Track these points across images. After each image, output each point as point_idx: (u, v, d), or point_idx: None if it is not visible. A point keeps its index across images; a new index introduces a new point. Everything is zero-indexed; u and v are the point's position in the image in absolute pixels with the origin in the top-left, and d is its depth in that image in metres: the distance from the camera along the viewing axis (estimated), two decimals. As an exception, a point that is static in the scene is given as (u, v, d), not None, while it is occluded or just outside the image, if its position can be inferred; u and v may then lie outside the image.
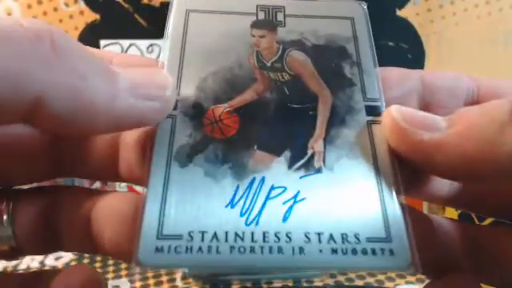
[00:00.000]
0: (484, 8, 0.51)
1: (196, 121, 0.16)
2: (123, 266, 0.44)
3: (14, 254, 0.17)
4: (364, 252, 0.14)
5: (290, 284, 0.41)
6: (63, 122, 0.12)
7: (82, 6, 0.49)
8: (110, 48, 0.50)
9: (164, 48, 0.18)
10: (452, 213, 0.40)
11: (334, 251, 0.14)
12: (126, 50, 0.50)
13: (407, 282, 0.40)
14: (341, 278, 0.41)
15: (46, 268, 0.43)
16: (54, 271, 0.17)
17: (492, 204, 0.18)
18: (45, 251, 0.18)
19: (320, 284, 0.40)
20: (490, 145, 0.13)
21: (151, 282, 0.41)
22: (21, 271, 0.19)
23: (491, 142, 0.13)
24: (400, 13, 0.51)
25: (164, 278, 0.41)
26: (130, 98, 0.14)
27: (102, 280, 0.17)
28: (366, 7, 0.20)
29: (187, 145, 0.16)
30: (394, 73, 0.19)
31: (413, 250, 0.14)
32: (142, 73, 0.15)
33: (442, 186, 0.18)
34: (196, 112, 0.17)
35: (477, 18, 0.51)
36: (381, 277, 0.42)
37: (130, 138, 0.17)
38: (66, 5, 0.49)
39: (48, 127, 0.13)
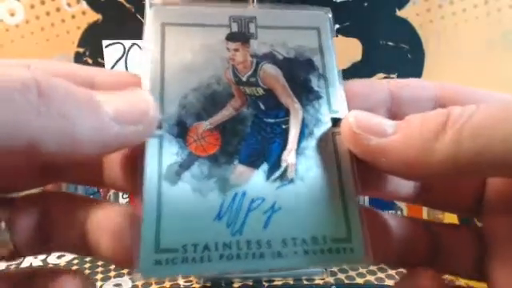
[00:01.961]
0: (483, 8, 0.51)
1: (181, 139, 0.17)
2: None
3: (13, 256, 0.18)
4: (330, 251, 0.17)
5: (291, 282, 0.41)
6: (55, 157, 0.14)
7: (85, 6, 0.49)
8: (112, 48, 0.50)
9: (143, 63, 0.18)
10: (452, 217, 0.41)
11: (306, 252, 0.17)
12: (128, 50, 0.50)
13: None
14: (341, 276, 0.42)
15: (50, 266, 0.44)
16: (47, 272, 0.17)
17: (448, 200, 0.20)
18: (41, 252, 0.19)
19: (320, 282, 0.41)
20: (424, 152, 0.15)
21: (153, 280, 0.41)
22: (13, 270, 0.19)
23: (426, 150, 0.15)
24: (400, 13, 0.51)
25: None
26: (114, 126, 0.15)
27: (93, 285, 0.18)
28: (330, 15, 0.21)
29: (175, 163, 0.17)
30: (359, 85, 0.20)
31: (367, 247, 0.17)
32: (123, 98, 0.16)
33: (401, 186, 0.19)
34: (180, 130, 0.18)
35: (476, 18, 0.52)
36: (380, 274, 0.42)
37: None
38: (69, 5, 0.49)
39: (42, 162, 0.15)
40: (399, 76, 0.53)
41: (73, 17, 0.49)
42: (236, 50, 0.19)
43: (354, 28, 0.52)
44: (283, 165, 0.18)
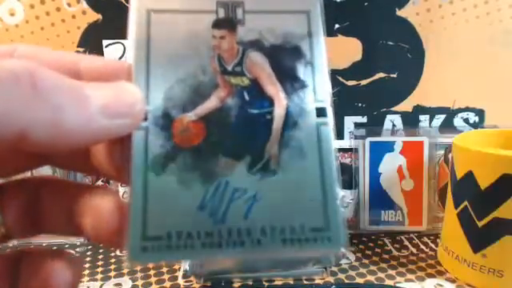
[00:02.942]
0: (483, 8, 0.51)
1: (166, 131, 0.18)
2: (125, 264, 0.45)
3: (4, 240, 0.18)
4: (307, 240, 0.17)
5: (291, 282, 0.41)
6: (45, 147, 0.14)
7: (85, 6, 0.49)
8: (112, 47, 0.50)
9: (129, 53, 0.18)
10: (451, 211, 0.41)
11: (284, 241, 0.17)
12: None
13: (407, 280, 0.41)
14: (341, 276, 0.42)
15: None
16: (35, 252, 0.18)
17: None
18: (31, 235, 0.19)
19: (320, 282, 0.40)
20: None
21: (153, 280, 0.41)
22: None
23: None
24: (400, 13, 0.52)
25: (166, 277, 0.42)
26: (102, 119, 0.15)
27: (82, 266, 0.18)
28: None
29: (160, 155, 0.17)
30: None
31: (344, 236, 0.17)
32: (111, 91, 0.16)
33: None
34: (165, 122, 0.18)
35: (476, 18, 0.52)
36: (381, 274, 0.42)
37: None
38: (69, 5, 0.49)
39: (32, 151, 0.15)
40: (399, 76, 0.53)
41: (73, 17, 0.49)
42: (222, 37, 0.19)
43: (354, 28, 0.52)
44: (266, 156, 0.18)
